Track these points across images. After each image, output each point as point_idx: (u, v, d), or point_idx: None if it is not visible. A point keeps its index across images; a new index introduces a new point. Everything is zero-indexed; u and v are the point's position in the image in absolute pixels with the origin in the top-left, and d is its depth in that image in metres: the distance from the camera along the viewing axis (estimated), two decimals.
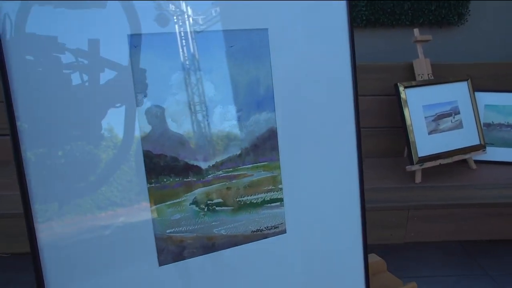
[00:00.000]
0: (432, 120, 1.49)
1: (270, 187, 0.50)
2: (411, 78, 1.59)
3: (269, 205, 0.50)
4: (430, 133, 1.48)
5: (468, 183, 1.47)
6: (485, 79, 1.64)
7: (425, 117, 1.48)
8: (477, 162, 1.61)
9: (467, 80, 1.57)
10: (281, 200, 0.50)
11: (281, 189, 0.50)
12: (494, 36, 1.86)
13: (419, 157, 1.44)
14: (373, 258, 0.64)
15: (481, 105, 1.61)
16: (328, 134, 0.53)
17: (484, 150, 1.56)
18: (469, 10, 1.81)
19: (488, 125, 1.62)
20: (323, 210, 0.52)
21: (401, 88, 1.45)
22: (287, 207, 0.50)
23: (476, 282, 1.61)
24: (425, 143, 1.46)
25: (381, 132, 1.64)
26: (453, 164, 1.59)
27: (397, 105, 1.46)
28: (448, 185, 1.46)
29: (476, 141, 1.56)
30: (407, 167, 1.43)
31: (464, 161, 1.57)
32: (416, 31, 1.55)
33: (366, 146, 1.64)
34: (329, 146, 0.53)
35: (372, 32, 1.81)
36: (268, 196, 0.50)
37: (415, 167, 1.43)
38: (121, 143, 0.42)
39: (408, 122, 1.44)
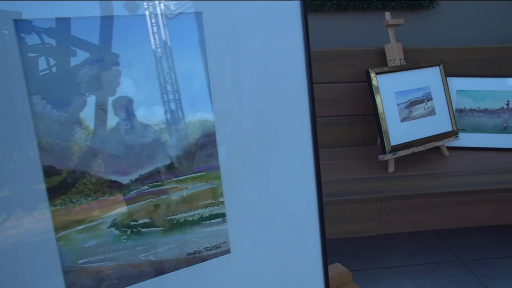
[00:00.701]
0: (405, 107, 1.44)
1: (209, 201, 0.42)
2: (383, 64, 1.53)
3: (208, 222, 0.42)
4: (402, 120, 1.43)
5: (442, 171, 1.43)
6: (457, 64, 1.60)
7: (397, 104, 1.43)
8: (450, 148, 1.57)
9: (439, 65, 1.52)
10: (222, 215, 0.43)
11: (222, 202, 0.43)
12: (466, 20, 1.82)
13: (391, 146, 1.39)
14: (337, 268, 0.57)
15: (453, 90, 1.57)
16: (278, 136, 0.45)
17: (456, 137, 1.52)
18: None
19: (460, 110, 1.58)
20: (274, 224, 0.45)
21: (372, 75, 1.39)
22: (230, 223, 0.43)
23: (450, 268, 1.60)
24: (398, 131, 1.41)
25: (354, 120, 1.59)
26: (426, 152, 1.55)
27: (369, 92, 1.40)
28: (421, 174, 1.41)
29: (448, 128, 1.52)
30: (379, 156, 1.38)
31: (438, 148, 1.54)
32: (387, 14, 1.48)
33: (338, 135, 1.59)
34: (279, 150, 0.45)
35: (343, 17, 1.73)
36: (207, 211, 0.42)
37: (388, 157, 1.38)
38: (10, 158, 0.34)
39: (380, 110, 1.38)
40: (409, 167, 1.46)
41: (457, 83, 1.58)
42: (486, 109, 1.58)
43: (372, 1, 1.69)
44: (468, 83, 1.58)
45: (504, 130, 1.58)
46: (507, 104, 1.57)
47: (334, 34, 1.75)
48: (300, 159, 0.47)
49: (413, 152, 1.43)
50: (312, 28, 1.74)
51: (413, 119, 1.46)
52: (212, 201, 0.42)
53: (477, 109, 1.58)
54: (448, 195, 1.33)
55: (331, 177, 1.37)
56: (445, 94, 1.52)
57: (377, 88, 1.39)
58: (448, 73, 1.59)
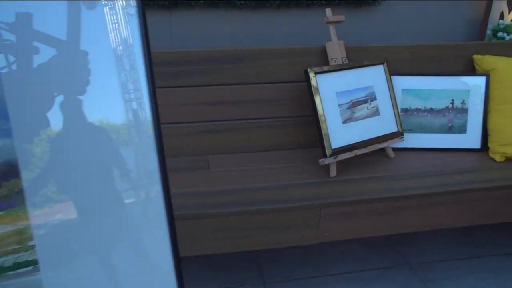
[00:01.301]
0: (347, 108, 1.38)
1: (12, 247, 0.33)
2: (326, 63, 1.47)
3: (13, 272, 0.33)
4: (344, 122, 1.37)
5: (387, 174, 1.38)
6: (402, 62, 1.56)
7: (339, 105, 1.36)
8: (395, 150, 1.53)
9: (383, 63, 1.47)
10: (34, 262, 0.34)
11: (32, 247, 0.34)
12: (412, 17, 1.78)
13: (332, 149, 1.32)
14: None
15: (398, 89, 1.52)
16: (105, 152, 0.36)
17: (401, 138, 1.48)
18: None
19: (406, 110, 1.54)
20: (106, 266, 0.36)
21: (311, 74, 1.32)
22: (44, 271, 0.34)
23: (398, 273, 1.56)
24: (340, 133, 1.35)
25: (296, 122, 1.52)
26: (371, 154, 1.49)
27: (308, 93, 1.34)
28: (365, 177, 1.36)
29: (393, 128, 1.47)
30: (320, 160, 1.31)
31: (383, 149, 1.49)
32: (328, 11, 1.42)
33: (279, 138, 1.52)
34: (108, 171, 0.36)
35: (286, 14, 1.66)
36: (9, 260, 0.33)
37: (329, 160, 1.32)
38: None
39: (319, 111, 1.31)
40: (353, 170, 1.40)
41: (402, 82, 1.53)
42: (431, 109, 1.54)
43: None
44: (413, 82, 1.53)
45: (449, 130, 1.54)
46: (452, 104, 1.54)
47: (278, 32, 1.68)
48: (140, 183, 0.38)
49: (355, 155, 1.37)
50: (254, 26, 1.66)
51: (356, 120, 1.40)
52: (18, 246, 0.33)
53: (423, 108, 1.54)
54: (393, 200, 1.28)
55: (268, 183, 1.29)
56: (390, 93, 1.47)
57: (317, 88, 1.32)
58: (393, 71, 1.55)
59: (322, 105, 1.32)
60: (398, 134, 1.48)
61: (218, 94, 1.45)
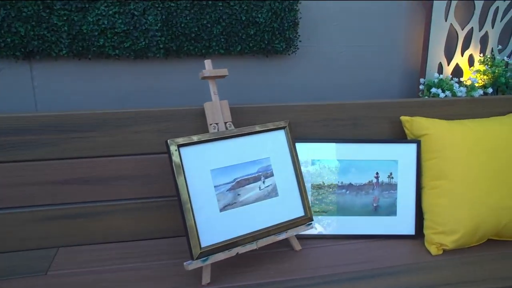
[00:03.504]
0: (228, 190, 1.04)
1: None
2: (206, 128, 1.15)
3: None
4: (223, 209, 1.03)
5: (287, 278, 1.03)
6: (312, 126, 1.24)
7: (215, 187, 1.03)
8: (304, 239, 1.18)
9: (284, 127, 1.15)
10: None
11: None
12: (335, 68, 1.49)
13: (202, 249, 0.97)
14: None
15: (306, 160, 1.20)
16: None
17: (310, 224, 1.13)
18: (299, 35, 1.42)
19: (317, 187, 1.20)
20: None
21: (173, 148, 0.99)
22: None
23: None
24: (215, 224, 1.00)
25: (166, 204, 1.18)
26: (273, 245, 1.14)
27: (171, 171, 1.00)
28: (253, 285, 1.00)
29: (298, 213, 1.13)
30: (185, 263, 0.96)
31: (287, 240, 1.14)
32: (207, 63, 1.11)
33: (141, 225, 1.16)
34: None
35: (174, 65, 1.36)
36: None
37: (196, 264, 0.96)
38: None
39: (183, 197, 0.97)
40: (240, 272, 1.04)
41: (312, 151, 1.21)
42: (350, 184, 1.21)
43: (211, 44, 1.32)
44: (326, 150, 1.21)
45: (375, 211, 1.21)
46: (377, 178, 1.21)
47: (162, 88, 1.37)
48: None
49: (237, 254, 1.02)
50: (135, 81, 1.35)
51: (242, 206, 1.06)
52: None
53: (339, 184, 1.20)
54: None
55: None
56: (294, 166, 1.14)
57: (180, 166, 0.99)
58: (300, 137, 1.23)
59: (187, 188, 0.98)
60: (305, 220, 1.13)
61: (68, 170, 1.11)
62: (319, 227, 1.20)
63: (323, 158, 1.21)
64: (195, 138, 1.03)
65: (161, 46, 1.29)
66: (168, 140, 0.99)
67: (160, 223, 1.18)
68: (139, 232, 1.16)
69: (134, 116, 1.12)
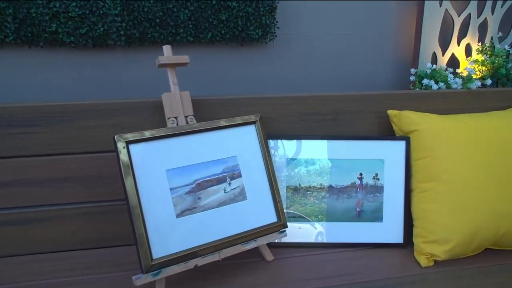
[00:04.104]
0: (187, 193, 0.91)
1: None
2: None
3: None
4: (180, 214, 0.89)
5: None
6: (286, 121, 1.11)
7: (171, 189, 0.89)
8: (277, 248, 1.05)
9: (255, 122, 1.02)
10: None
11: None
12: (319, 57, 1.36)
13: (153, 260, 0.84)
14: None
15: (279, 159, 1.07)
16: None
17: (283, 231, 1.00)
18: (277, 22, 1.29)
19: (293, 189, 1.07)
20: None
21: (120, 145, 0.86)
22: None
23: None
24: (170, 233, 0.87)
25: (122, 208, 1.05)
26: (235, 258, 1.01)
27: (118, 171, 0.87)
28: None
29: (270, 218, 1.00)
30: (133, 277, 0.83)
31: (257, 249, 1.01)
32: (166, 48, 0.98)
33: (89, 231, 1.03)
34: None
35: (138, 53, 1.23)
36: None
37: (146, 279, 0.83)
38: None
39: (132, 200, 0.84)
40: (199, 287, 0.92)
41: (286, 148, 1.07)
42: (331, 186, 1.07)
43: (178, 31, 1.19)
44: (303, 147, 1.08)
45: (358, 217, 1.07)
46: (360, 179, 1.08)
47: (125, 79, 1.24)
48: None
49: (196, 266, 0.89)
50: (93, 72, 1.22)
51: (203, 211, 0.92)
52: None
53: (318, 186, 1.07)
54: None
55: None
56: (266, 166, 1.01)
57: (128, 165, 0.86)
58: (272, 133, 1.10)
59: (137, 191, 0.85)
60: (278, 227, 1.00)
61: (8, 171, 0.98)
62: (293, 234, 1.07)
63: (299, 157, 1.07)
64: (147, 133, 0.89)
65: (122, 32, 1.16)
66: (115, 136, 0.86)
67: (115, 230, 1.05)
68: (92, 239, 1.03)
69: (86, 109, 0.99)
